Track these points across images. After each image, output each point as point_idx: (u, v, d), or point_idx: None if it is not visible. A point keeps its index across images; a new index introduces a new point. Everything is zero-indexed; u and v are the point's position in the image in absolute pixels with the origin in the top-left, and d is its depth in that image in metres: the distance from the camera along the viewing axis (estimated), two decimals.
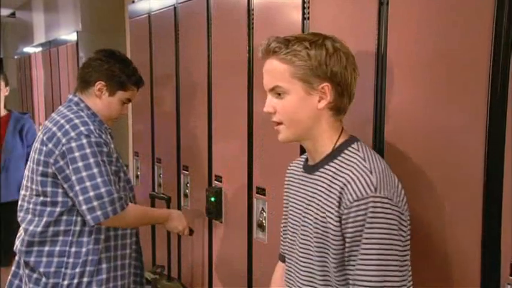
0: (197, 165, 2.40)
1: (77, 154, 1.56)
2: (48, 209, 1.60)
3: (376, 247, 0.98)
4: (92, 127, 1.62)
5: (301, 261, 1.16)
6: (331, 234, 1.05)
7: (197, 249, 2.46)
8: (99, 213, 1.52)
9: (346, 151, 1.11)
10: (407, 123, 1.32)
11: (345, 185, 1.04)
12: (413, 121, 1.31)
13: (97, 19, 4.24)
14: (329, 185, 1.08)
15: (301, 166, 1.25)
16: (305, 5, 1.66)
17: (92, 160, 1.55)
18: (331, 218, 1.05)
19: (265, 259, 1.97)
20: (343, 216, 1.02)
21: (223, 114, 2.17)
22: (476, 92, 1.15)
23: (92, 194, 1.52)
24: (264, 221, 1.94)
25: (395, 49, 1.33)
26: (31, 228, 1.61)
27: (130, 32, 3.17)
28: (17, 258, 1.69)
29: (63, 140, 1.57)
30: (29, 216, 1.63)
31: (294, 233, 1.22)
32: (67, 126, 1.60)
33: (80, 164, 1.55)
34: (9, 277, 1.70)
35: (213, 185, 2.26)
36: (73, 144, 1.56)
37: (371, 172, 1.03)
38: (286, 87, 1.09)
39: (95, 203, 1.52)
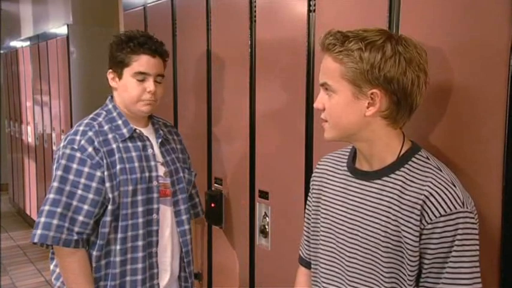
0: (196, 167, 2.40)
1: (55, 165, 1.61)
2: None
3: (467, 265, 1.01)
4: (78, 137, 1.60)
5: (350, 270, 1.17)
6: (409, 250, 1.05)
7: (195, 256, 2.46)
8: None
9: (414, 159, 1.11)
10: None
11: (427, 197, 1.03)
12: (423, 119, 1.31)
13: (89, 11, 4.25)
14: (400, 196, 1.08)
15: (342, 166, 1.25)
16: None
17: (58, 173, 1.57)
18: (408, 233, 1.05)
19: (269, 267, 1.97)
20: (425, 231, 1.03)
21: (223, 112, 2.18)
22: (495, 93, 1.16)
23: (41, 209, 1.57)
24: (267, 227, 1.95)
25: None
26: None
27: (125, 25, 3.18)
28: None
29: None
30: None
31: (329, 238, 1.23)
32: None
33: (57, 172, 1.59)
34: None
35: (213, 188, 2.26)
36: (58, 153, 1.62)
37: (453, 184, 1.04)
38: (334, 86, 1.09)
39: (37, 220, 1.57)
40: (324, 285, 1.25)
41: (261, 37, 1.92)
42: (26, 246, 4.74)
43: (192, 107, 2.41)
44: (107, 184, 1.58)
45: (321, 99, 1.14)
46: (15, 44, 5.86)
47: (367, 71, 1.04)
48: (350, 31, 1.08)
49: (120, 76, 1.67)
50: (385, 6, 1.41)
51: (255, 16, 1.93)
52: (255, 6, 1.93)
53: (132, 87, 1.65)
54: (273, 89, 1.88)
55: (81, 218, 1.56)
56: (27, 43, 5.33)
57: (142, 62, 1.64)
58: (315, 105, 1.16)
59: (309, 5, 1.68)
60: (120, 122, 1.67)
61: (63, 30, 4.25)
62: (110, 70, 1.69)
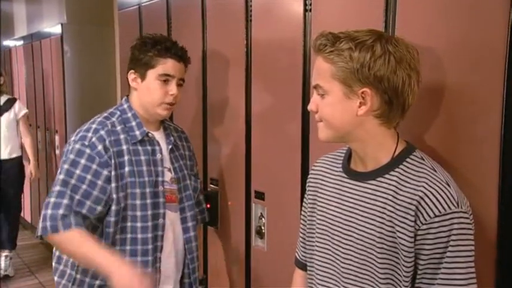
0: None
1: (63, 158, 1.62)
2: None
3: (462, 265, 1.01)
4: (89, 134, 1.61)
5: (345, 272, 1.17)
6: (404, 250, 1.05)
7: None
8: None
9: (408, 159, 1.11)
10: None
11: (421, 198, 1.03)
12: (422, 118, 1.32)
13: (83, 10, 4.24)
14: (394, 197, 1.08)
15: (338, 167, 1.25)
16: None
17: (65, 167, 1.58)
18: (403, 234, 1.05)
19: (265, 268, 1.97)
20: (420, 232, 1.03)
21: (219, 112, 2.18)
22: (491, 93, 1.16)
23: (46, 201, 1.57)
24: (263, 228, 1.95)
25: None
26: None
27: (120, 25, 3.17)
28: None
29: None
30: None
31: (324, 239, 1.23)
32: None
33: (64, 166, 1.60)
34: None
35: (209, 189, 2.26)
36: (68, 148, 1.63)
37: (448, 185, 1.05)
38: (326, 87, 1.10)
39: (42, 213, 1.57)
40: (319, 286, 1.25)
41: (257, 37, 1.92)
42: (20, 247, 4.72)
43: (188, 107, 2.41)
44: (113, 184, 1.59)
45: (314, 101, 1.15)
46: (8, 43, 5.85)
47: (357, 70, 1.05)
48: (342, 32, 1.09)
49: (143, 77, 1.68)
50: (381, 6, 1.41)
51: (251, 15, 1.94)
52: (251, 6, 1.93)
53: (155, 90, 1.67)
54: (269, 89, 1.89)
55: (83, 211, 1.57)
56: (21, 42, 5.32)
57: (168, 66, 1.67)
58: (308, 107, 1.17)
59: (305, 5, 1.68)
60: (133, 123, 1.68)
61: (57, 29, 4.24)
62: (132, 71, 1.71)
